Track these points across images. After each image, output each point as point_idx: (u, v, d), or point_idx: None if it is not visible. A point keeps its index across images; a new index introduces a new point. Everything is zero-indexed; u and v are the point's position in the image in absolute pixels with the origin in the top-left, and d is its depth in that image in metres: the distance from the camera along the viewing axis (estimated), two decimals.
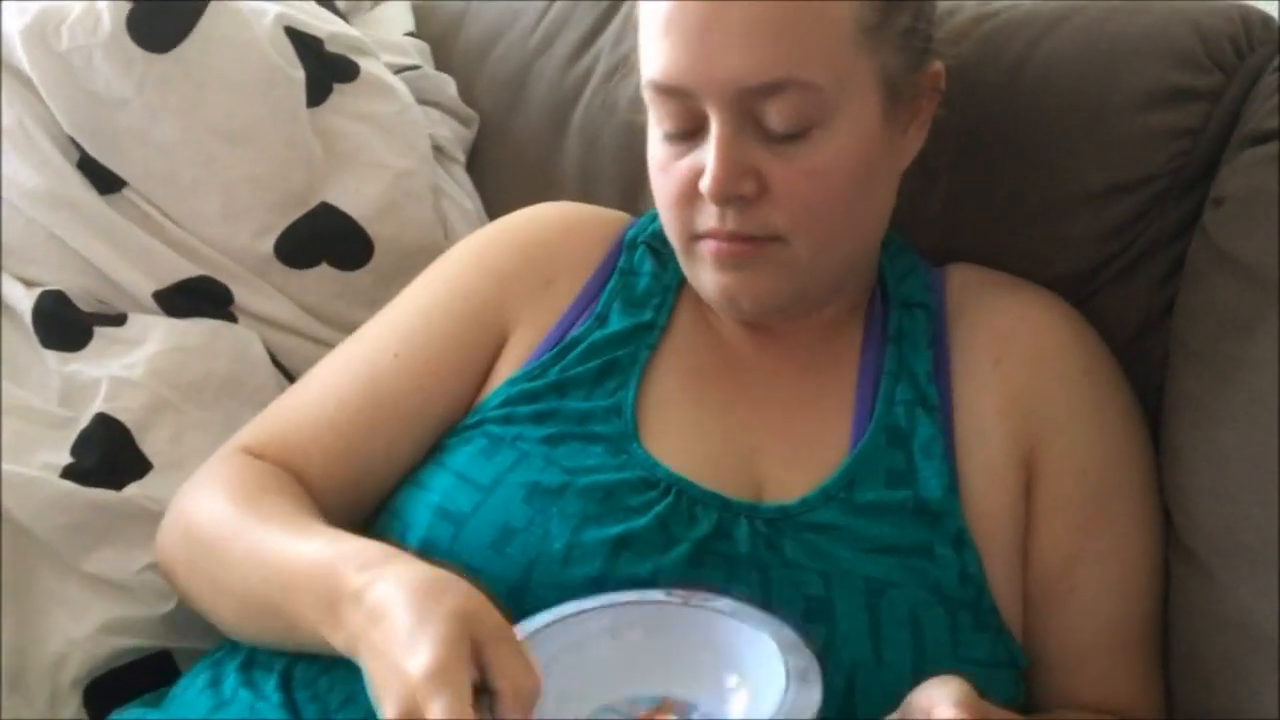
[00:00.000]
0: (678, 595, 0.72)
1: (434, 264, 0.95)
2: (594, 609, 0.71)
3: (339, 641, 0.69)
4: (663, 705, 0.69)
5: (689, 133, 0.78)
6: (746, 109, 0.76)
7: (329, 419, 0.87)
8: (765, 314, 0.83)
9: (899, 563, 0.77)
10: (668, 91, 0.78)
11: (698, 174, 0.78)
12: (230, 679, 0.79)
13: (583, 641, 0.70)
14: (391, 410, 0.87)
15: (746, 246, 0.78)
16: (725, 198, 0.76)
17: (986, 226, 0.93)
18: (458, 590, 0.65)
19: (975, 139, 0.90)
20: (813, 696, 0.63)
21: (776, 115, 0.76)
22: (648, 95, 0.80)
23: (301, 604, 0.71)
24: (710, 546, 0.77)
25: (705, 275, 0.81)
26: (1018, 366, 0.83)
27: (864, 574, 0.76)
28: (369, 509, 0.87)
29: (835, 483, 0.80)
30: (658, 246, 0.90)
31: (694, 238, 0.80)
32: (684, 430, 0.83)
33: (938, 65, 0.84)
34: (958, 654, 0.75)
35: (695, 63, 0.76)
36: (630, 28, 1.15)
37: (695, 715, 0.68)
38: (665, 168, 0.80)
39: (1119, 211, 0.89)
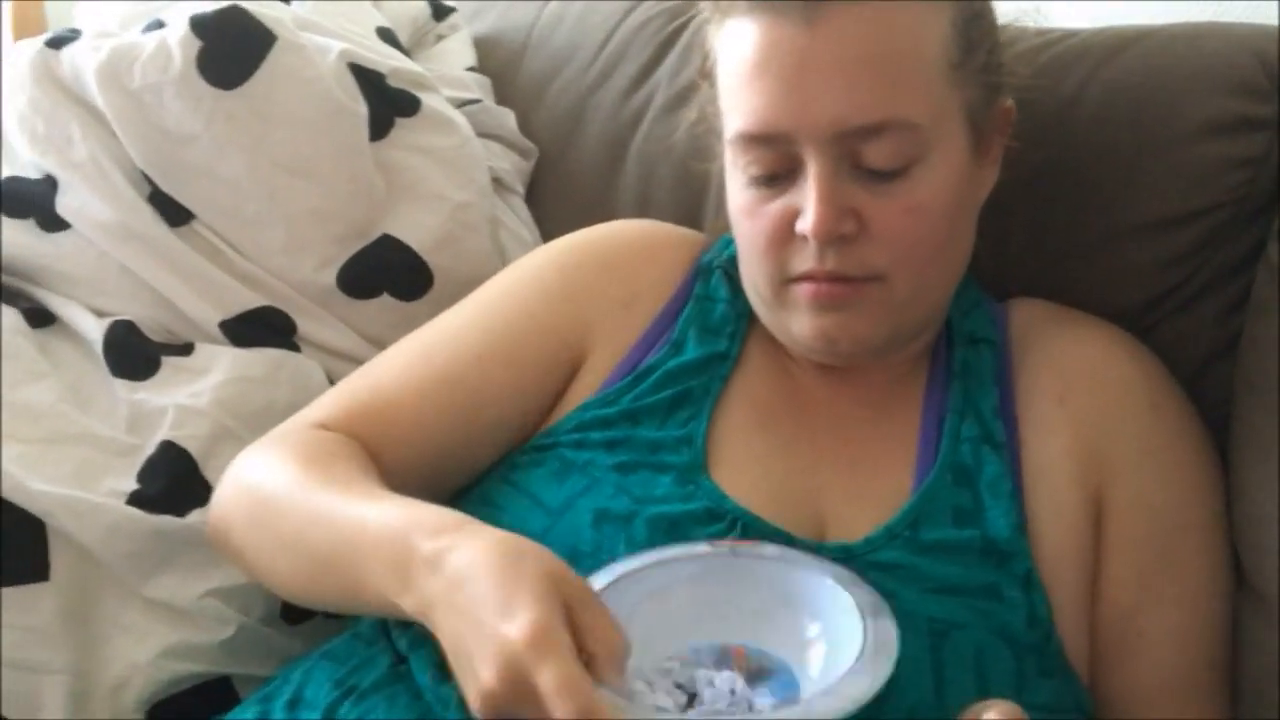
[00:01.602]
0: (733, 545, 0.74)
1: (516, 268, 0.95)
2: (674, 559, 0.73)
3: (409, 605, 0.68)
4: (733, 651, 0.69)
5: (778, 176, 0.78)
6: (844, 149, 0.75)
7: (410, 405, 0.87)
8: (861, 355, 0.82)
9: (964, 604, 0.75)
10: (762, 139, 0.77)
11: (791, 216, 0.77)
12: (275, 717, 0.79)
13: (664, 590, 0.71)
14: (473, 411, 0.87)
15: (846, 288, 0.77)
16: (828, 237, 0.75)
17: (1047, 257, 0.93)
18: (540, 554, 0.65)
19: (1035, 169, 0.89)
20: (888, 626, 0.66)
21: (876, 154, 0.75)
22: (736, 145, 0.79)
23: (369, 566, 0.70)
24: None
25: (800, 319, 0.80)
26: (1084, 403, 0.82)
27: (928, 615, 0.75)
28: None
29: (900, 521, 0.79)
30: (732, 272, 0.89)
31: (787, 282, 0.80)
32: (751, 464, 0.83)
33: (1009, 101, 0.84)
34: (1022, 699, 0.73)
35: (792, 106, 0.75)
36: (687, 60, 1.18)
37: (767, 664, 0.69)
38: (754, 212, 0.80)
39: (1181, 241, 0.88)
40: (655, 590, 0.71)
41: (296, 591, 0.81)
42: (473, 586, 0.63)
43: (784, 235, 0.78)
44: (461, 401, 0.87)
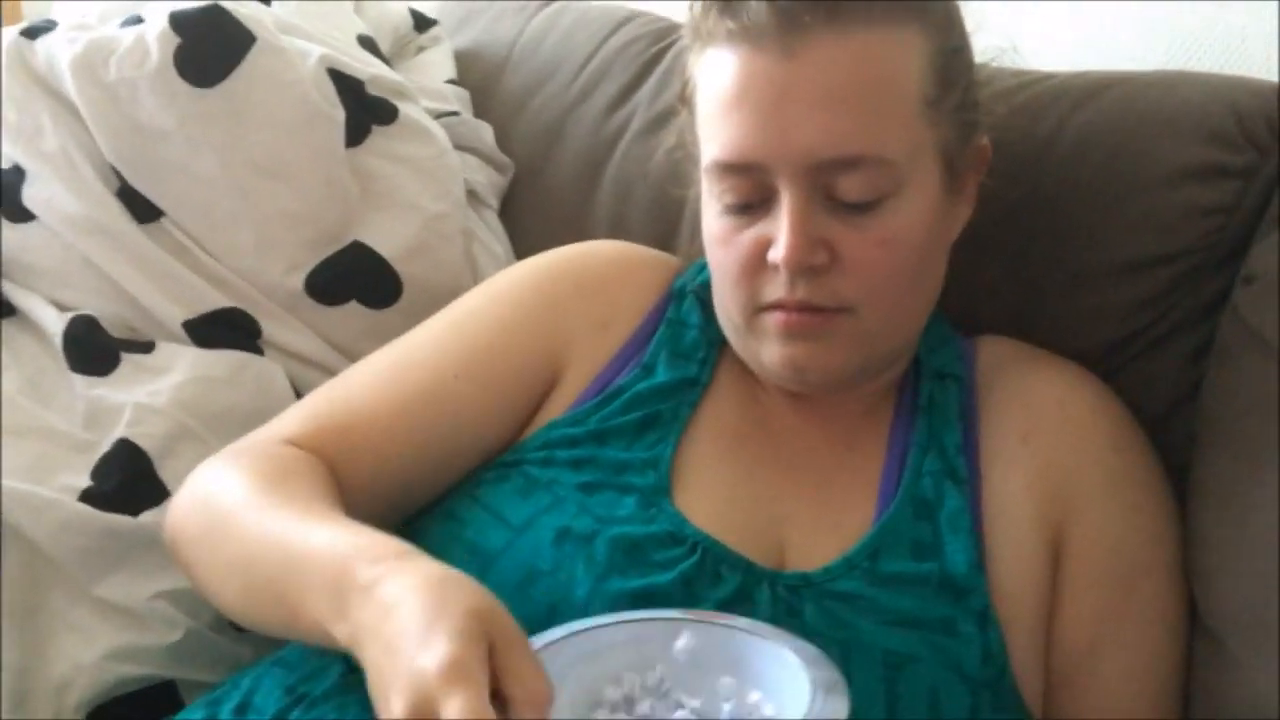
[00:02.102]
0: (693, 614, 0.71)
1: (491, 285, 0.94)
2: (611, 624, 0.70)
3: (341, 634, 0.66)
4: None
5: (752, 205, 0.78)
6: (818, 180, 0.76)
7: (380, 424, 0.85)
8: (830, 385, 0.82)
9: (920, 637, 0.75)
10: (738, 168, 0.77)
11: (764, 245, 0.77)
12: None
13: (598, 653, 0.68)
14: (445, 432, 0.86)
15: (816, 318, 0.78)
16: (799, 267, 0.76)
17: (1017, 296, 0.93)
18: (473, 589, 0.63)
19: (1008, 208, 0.89)
20: (840, 706, 0.61)
21: (850, 187, 0.76)
22: (711, 173, 0.79)
23: (308, 592, 0.69)
24: (732, 609, 0.75)
25: (770, 348, 0.80)
26: (1047, 442, 0.82)
27: (884, 647, 0.75)
28: (395, 521, 0.85)
29: (859, 552, 0.79)
30: (705, 298, 0.89)
31: (758, 310, 0.80)
32: (715, 490, 0.83)
33: (984, 140, 0.85)
34: None
35: (769, 137, 0.75)
36: (667, 82, 1.18)
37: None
38: (728, 240, 0.80)
39: (1150, 285, 0.89)
40: (590, 652, 0.68)
41: (240, 613, 0.79)
42: (398, 615, 0.61)
43: (756, 264, 0.78)
44: (434, 421, 0.86)
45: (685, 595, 0.75)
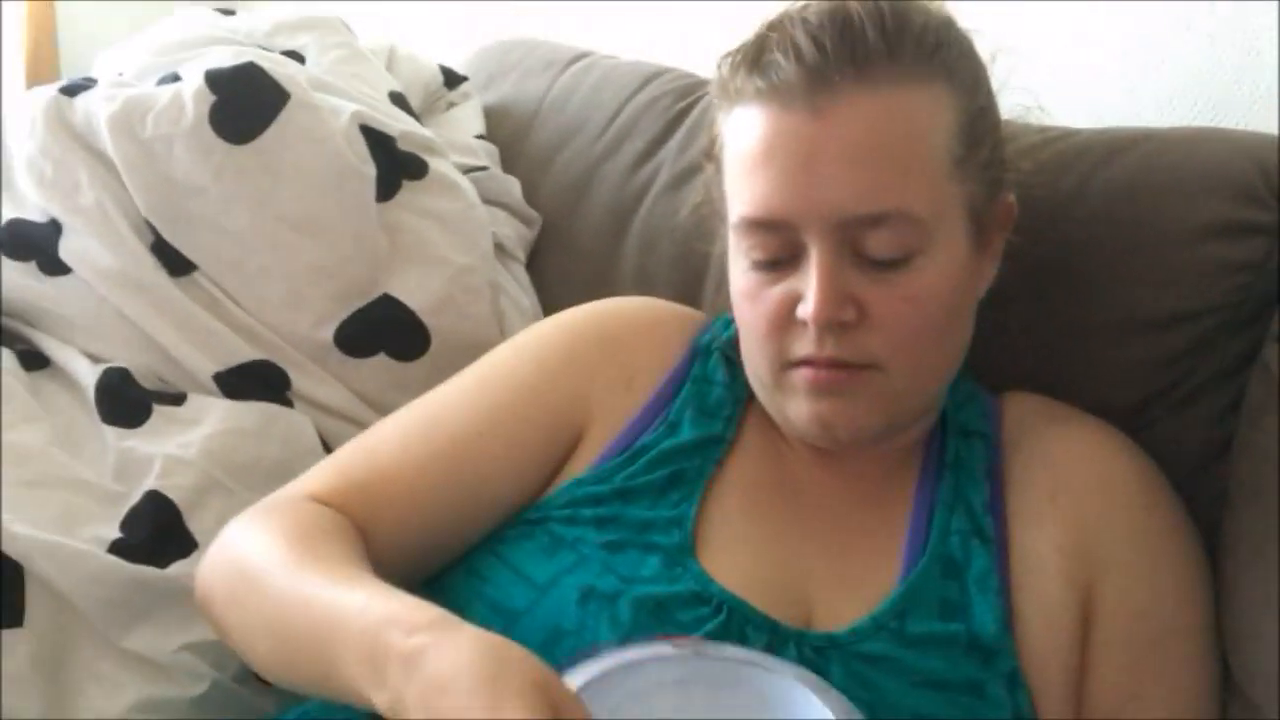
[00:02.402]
0: (696, 646, 0.72)
1: (516, 344, 0.94)
2: (652, 660, 0.70)
3: (381, 702, 0.65)
4: None
5: (780, 261, 0.79)
6: (847, 237, 0.76)
7: (407, 482, 0.85)
8: (858, 442, 0.82)
9: (949, 699, 0.75)
10: (766, 225, 0.78)
11: (792, 301, 0.78)
12: None
13: (647, 693, 0.68)
14: (472, 490, 0.86)
15: (844, 374, 0.78)
16: (828, 323, 0.76)
17: (1043, 352, 0.93)
18: (527, 660, 0.63)
19: (1033, 264, 0.89)
20: None
21: (878, 244, 0.76)
22: (740, 230, 0.80)
23: (342, 655, 0.68)
24: None
25: (798, 404, 0.80)
26: (1075, 502, 0.82)
27: (912, 709, 0.74)
28: (420, 578, 0.86)
29: (886, 612, 0.78)
30: (730, 355, 0.89)
31: (786, 366, 0.80)
32: (740, 549, 0.82)
33: (1010, 197, 0.85)
34: None
35: (798, 193, 0.76)
36: (693, 138, 1.19)
37: None
38: (755, 296, 0.80)
39: (1176, 342, 0.88)
40: (636, 693, 0.68)
41: (273, 671, 0.79)
42: (455, 692, 0.61)
43: (784, 320, 0.79)
44: (460, 480, 0.86)
45: None
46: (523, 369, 0.90)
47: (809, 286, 0.76)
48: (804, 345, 0.78)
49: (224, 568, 0.81)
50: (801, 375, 0.79)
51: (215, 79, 1.06)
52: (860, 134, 0.75)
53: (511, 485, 0.87)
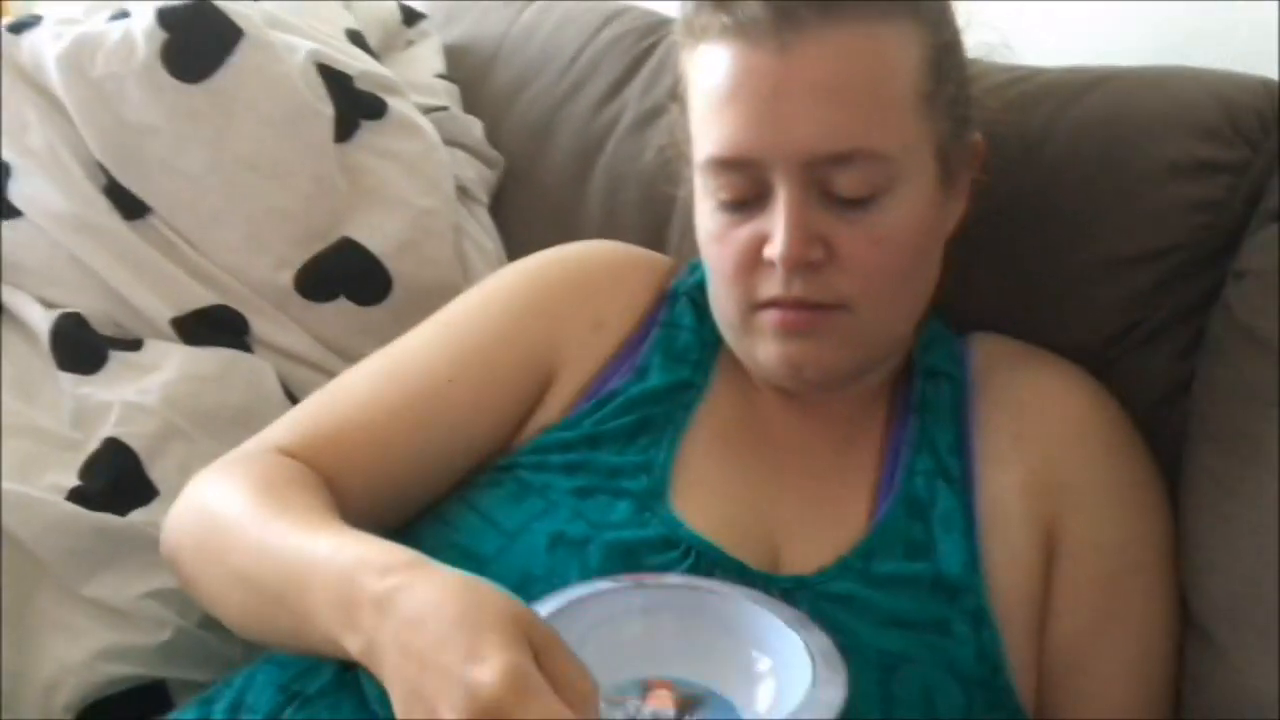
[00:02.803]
0: (637, 579, 0.73)
1: (484, 289, 0.92)
2: (625, 588, 0.71)
3: (354, 646, 0.65)
4: (656, 685, 0.68)
5: (748, 201, 0.78)
6: (815, 176, 0.75)
7: (377, 431, 0.84)
8: (827, 383, 0.82)
9: (915, 638, 0.75)
10: (733, 165, 0.77)
11: (759, 242, 0.77)
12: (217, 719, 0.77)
13: (613, 619, 0.70)
14: (443, 438, 0.85)
15: (813, 315, 0.77)
16: (796, 263, 0.75)
17: (1008, 292, 0.93)
18: (502, 596, 0.62)
19: (999, 204, 0.89)
20: (838, 686, 0.65)
21: (846, 183, 0.75)
22: (706, 170, 0.79)
23: (314, 603, 0.67)
24: None
25: (765, 346, 0.80)
26: (1039, 442, 0.82)
27: (879, 648, 0.74)
28: (391, 527, 0.84)
29: (854, 554, 0.78)
30: (699, 299, 0.89)
31: (754, 308, 0.79)
32: (710, 494, 0.82)
33: (977, 136, 0.84)
34: None
35: (764, 132, 0.75)
36: (658, 77, 1.18)
37: (699, 694, 0.68)
38: (722, 238, 0.79)
39: (1140, 281, 0.88)
40: (600, 621, 0.69)
41: (244, 626, 0.78)
42: (432, 630, 0.60)
43: (752, 261, 0.78)
44: (430, 428, 0.85)
45: None
46: (491, 315, 0.89)
47: (777, 227, 0.75)
48: (772, 286, 0.77)
49: (190, 521, 0.80)
50: (769, 317, 0.78)
51: (166, 15, 1.04)
52: (828, 71, 0.74)
53: (482, 432, 0.86)
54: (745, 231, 0.78)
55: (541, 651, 0.59)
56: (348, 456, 0.83)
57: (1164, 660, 0.82)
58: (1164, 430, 0.88)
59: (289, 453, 0.83)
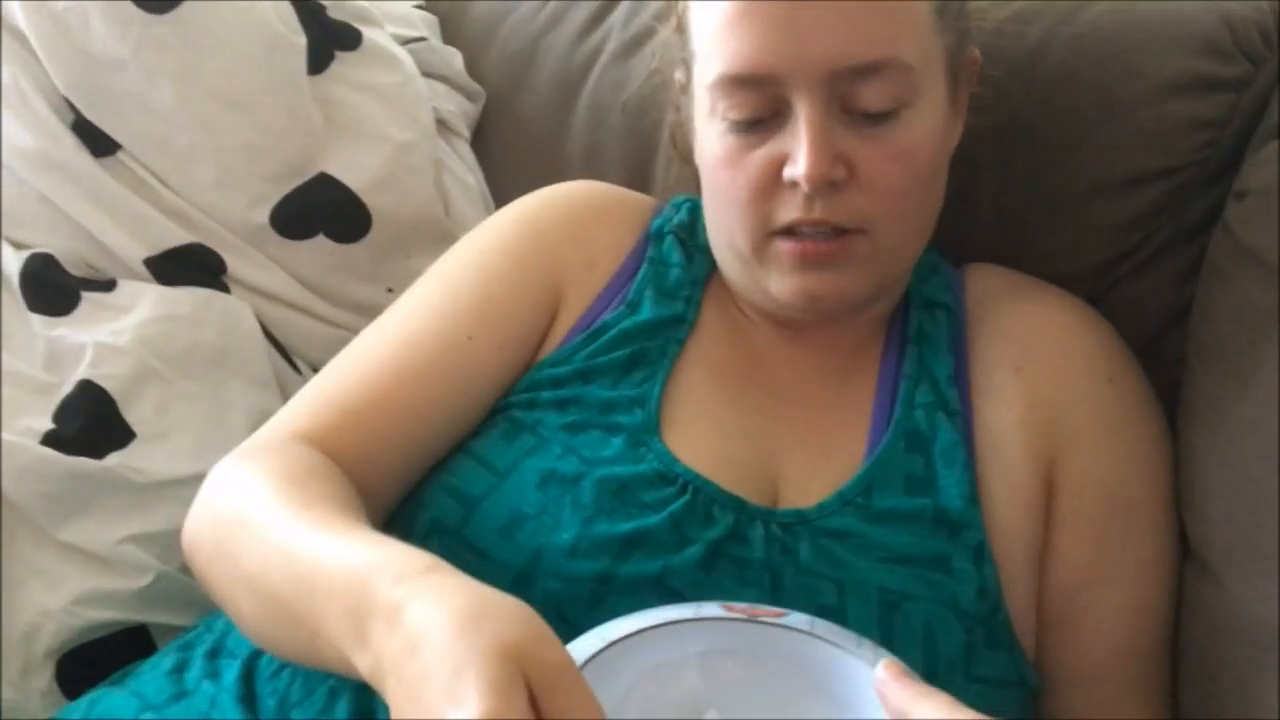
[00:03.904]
0: (751, 613, 0.62)
1: (475, 240, 0.89)
2: (687, 621, 0.60)
3: (364, 665, 0.58)
4: None
5: (760, 121, 0.75)
6: (836, 92, 0.73)
7: (404, 402, 0.80)
8: (843, 312, 0.80)
9: (916, 574, 0.74)
10: (749, 81, 0.74)
11: (778, 163, 0.74)
12: (195, 666, 0.76)
13: (668, 664, 0.59)
14: (469, 395, 0.81)
15: (832, 245, 0.75)
16: (821, 182, 0.72)
17: (1006, 218, 0.91)
18: (508, 618, 0.54)
19: (997, 125, 0.87)
20: None
21: (869, 96, 0.73)
22: (718, 89, 0.75)
23: (327, 614, 0.61)
24: (723, 549, 0.73)
25: (781, 278, 0.77)
26: (1039, 375, 0.80)
27: (879, 584, 0.73)
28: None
29: (853, 487, 0.77)
30: (684, 238, 0.87)
31: (769, 235, 0.76)
32: (705, 428, 0.80)
33: (975, 51, 0.82)
34: (970, 671, 0.72)
35: (784, 46, 0.72)
36: (641, 5, 1.14)
37: None
38: (735, 161, 0.76)
39: (1139, 203, 0.86)
40: (658, 664, 0.58)
41: (259, 635, 0.71)
42: (423, 656, 0.53)
43: (769, 184, 0.75)
44: (453, 390, 0.81)
45: (675, 537, 0.73)
46: (494, 266, 0.86)
47: (798, 146, 0.72)
48: (791, 209, 0.75)
49: (208, 517, 0.74)
50: (786, 248, 0.76)
51: None
52: None
53: (501, 381, 0.83)
54: (761, 153, 0.75)
55: (546, 691, 0.51)
56: (378, 433, 0.78)
57: (1165, 596, 0.80)
58: (1163, 356, 0.86)
59: (312, 437, 0.77)
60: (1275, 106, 0.82)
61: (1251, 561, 0.74)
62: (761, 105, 0.74)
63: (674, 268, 0.87)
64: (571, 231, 0.88)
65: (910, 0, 0.74)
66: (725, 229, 0.80)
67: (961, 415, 0.79)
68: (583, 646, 0.58)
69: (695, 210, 0.90)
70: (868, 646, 0.61)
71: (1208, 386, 0.80)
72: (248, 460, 0.76)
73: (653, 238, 0.89)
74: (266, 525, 0.68)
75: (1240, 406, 0.77)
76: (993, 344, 0.82)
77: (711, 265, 0.87)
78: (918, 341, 0.83)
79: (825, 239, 0.75)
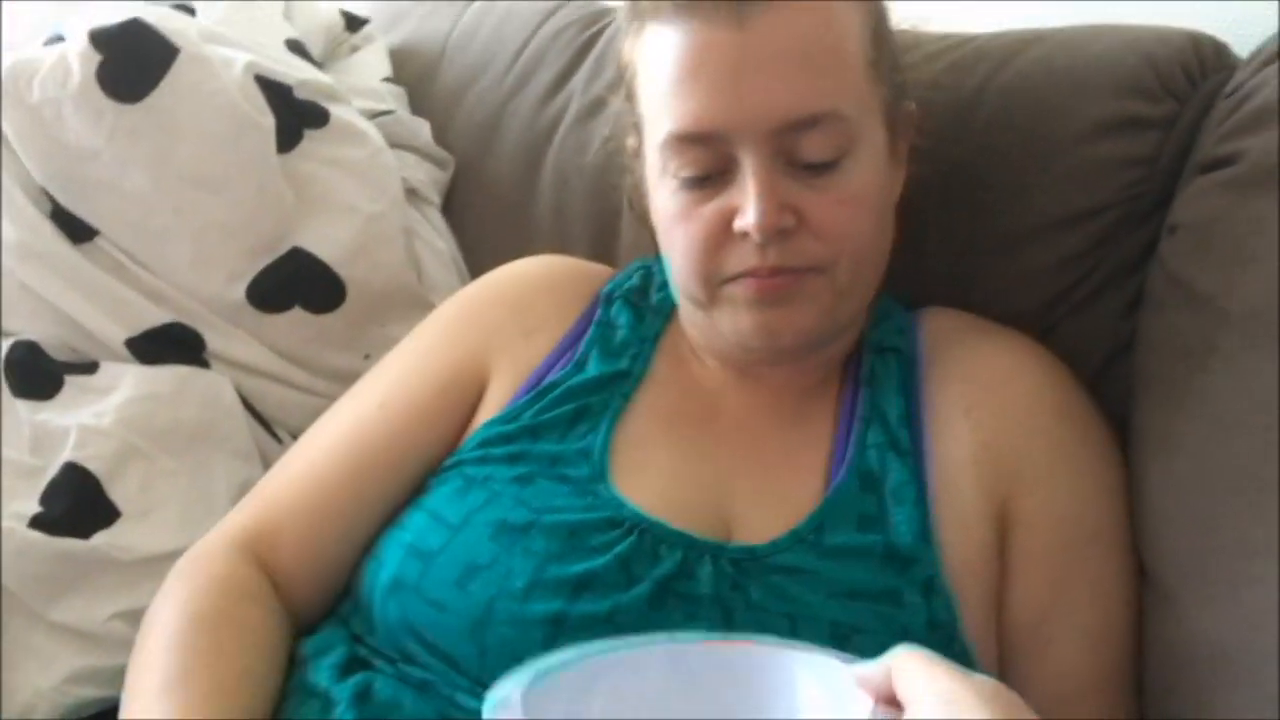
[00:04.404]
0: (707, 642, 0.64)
1: (422, 325, 0.96)
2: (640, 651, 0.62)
3: None
4: None
5: (710, 178, 0.78)
6: (780, 145, 0.76)
7: (317, 479, 0.87)
8: (800, 348, 0.83)
9: (867, 608, 0.75)
10: (697, 139, 0.77)
11: (728, 216, 0.77)
12: None
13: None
14: (375, 460, 0.87)
15: (790, 279, 0.78)
16: (771, 231, 0.76)
17: (948, 260, 0.93)
18: None
19: (938, 173, 0.89)
20: None
21: (811, 147, 0.76)
22: (668, 148, 0.79)
23: None
24: (672, 586, 0.76)
25: (738, 316, 0.80)
26: (990, 414, 0.82)
27: (830, 619, 0.74)
28: (362, 553, 0.86)
29: (806, 526, 0.79)
30: (635, 300, 0.91)
31: (723, 283, 0.80)
32: (656, 472, 0.83)
33: (911, 104, 0.86)
34: None
35: (729, 105, 0.76)
36: (601, 67, 1.18)
37: None
38: (687, 216, 0.79)
39: (1076, 241, 0.89)
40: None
41: None
42: None
43: (720, 236, 0.78)
44: (391, 475, 0.87)
45: (623, 576, 0.75)
46: (421, 338, 0.94)
47: (747, 198, 0.76)
48: (744, 258, 0.78)
49: (142, 629, 0.82)
50: (744, 287, 0.79)
51: (100, 37, 1.03)
52: (789, 40, 0.75)
53: (420, 444, 0.88)
54: (711, 208, 0.78)
55: None
56: (314, 528, 0.86)
57: (1126, 625, 0.81)
58: (1112, 390, 0.88)
59: (248, 537, 0.85)
60: (1202, 142, 0.84)
61: (1202, 585, 0.75)
62: (710, 162, 0.78)
63: (621, 329, 0.90)
64: (510, 302, 0.93)
65: (845, 56, 0.77)
66: (682, 280, 0.83)
67: (913, 454, 0.81)
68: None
69: (648, 274, 0.94)
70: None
71: (1152, 416, 0.82)
72: (177, 583, 0.83)
73: (603, 302, 0.92)
74: (142, 672, 0.78)
75: (1180, 433, 0.78)
76: (946, 385, 0.84)
77: (664, 323, 0.91)
78: (870, 384, 0.85)
79: (782, 275, 0.78)
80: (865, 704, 0.55)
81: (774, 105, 0.75)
